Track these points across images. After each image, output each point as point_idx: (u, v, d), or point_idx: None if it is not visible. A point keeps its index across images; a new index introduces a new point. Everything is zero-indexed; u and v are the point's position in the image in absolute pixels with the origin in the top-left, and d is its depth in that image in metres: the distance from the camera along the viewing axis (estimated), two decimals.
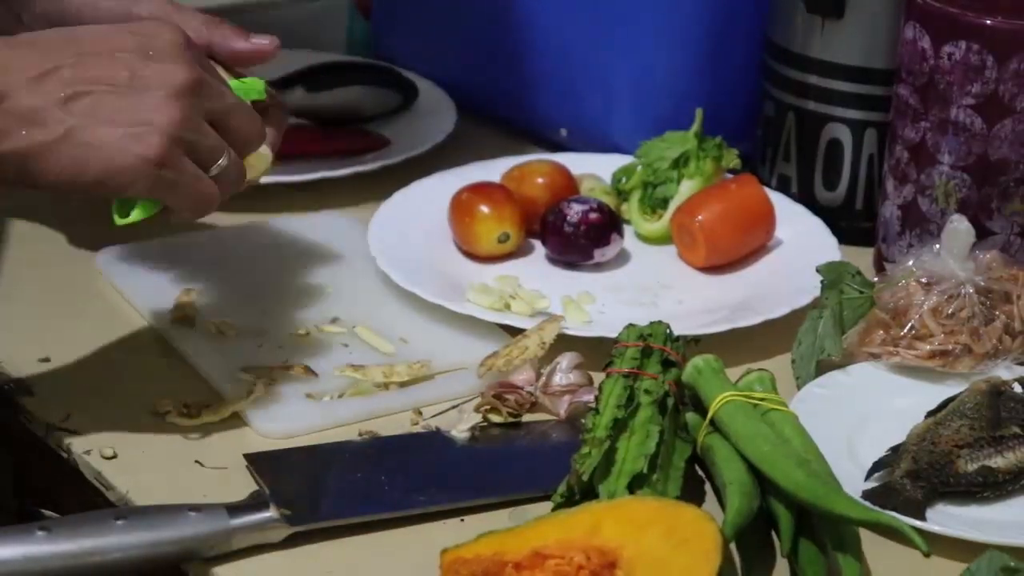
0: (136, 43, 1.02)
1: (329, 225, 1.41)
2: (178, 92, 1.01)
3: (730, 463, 1.03)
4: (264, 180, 1.45)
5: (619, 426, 1.04)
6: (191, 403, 1.14)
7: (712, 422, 1.07)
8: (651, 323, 1.15)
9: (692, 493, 1.07)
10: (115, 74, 1.01)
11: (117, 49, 1.01)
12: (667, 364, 1.11)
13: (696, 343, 1.17)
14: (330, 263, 1.35)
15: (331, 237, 1.39)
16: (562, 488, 1.02)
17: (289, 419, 1.14)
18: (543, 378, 1.18)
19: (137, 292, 1.28)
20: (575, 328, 1.24)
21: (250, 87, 1.13)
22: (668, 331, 1.14)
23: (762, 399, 1.08)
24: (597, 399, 1.08)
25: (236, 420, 1.14)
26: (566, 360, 1.18)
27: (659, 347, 1.12)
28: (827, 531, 0.99)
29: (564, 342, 1.21)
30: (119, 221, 1.06)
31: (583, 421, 1.10)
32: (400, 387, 1.19)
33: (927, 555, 0.93)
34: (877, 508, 1.01)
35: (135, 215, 1.05)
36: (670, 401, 1.08)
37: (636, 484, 1.01)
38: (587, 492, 1.01)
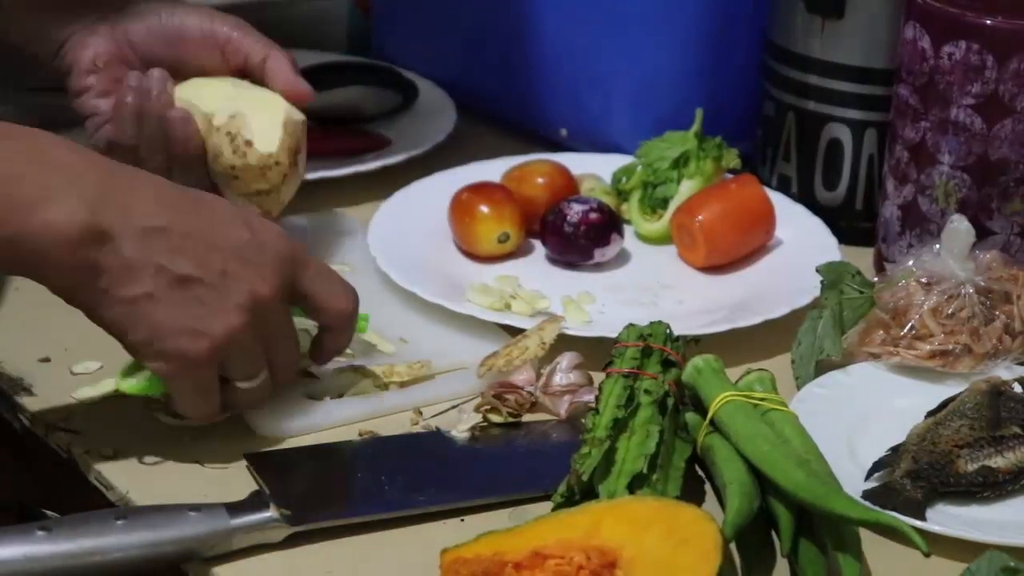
0: (247, 242, 1.05)
1: (328, 225, 1.41)
2: (251, 306, 1.04)
3: (730, 463, 1.03)
4: None
5: (619, 426, 1.04)
6: None
7: (712, 422, 1.07)
8: (651, 323, 1.15)
9: (692, 493, 1.07)
10: (211, 265, 1.03)
11: (226, 238, 1.04)
12: (667, 364, 1.11)
13: (696, 343, 1.17)
14: (329, 263, 1.35)
15: (330, 237, 1.39)
16: (562, 488, 1.02)
17: (289, 419, 1.14)
18: (543, 378, 1.18)
19: None
20: (575, 328, 1.24)
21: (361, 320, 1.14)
22: (668, 331, 1.14)
23: (762, 399, 1.08)
24: (597, 399, 1.08)
25: (236, 420, 1.14)
26: (566, 360, 1.18)
27: (659, 347, 1.12)
28: (827, 531, 0.99)
29: (564, 342, 1.21)
30: (118, 383, 1.09)
31: (583, 421, 1.10)
32: (400, 387, 1.19)
33: (927, 555, 0.93)
34: (877, 508, 1.01)
35: (137, 388, 1.08)
36: (670, 401, 1.08)
37: (636, 484, 1.01)
38: (587, 492, 1.01)
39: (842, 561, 0.98)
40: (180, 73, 1.27)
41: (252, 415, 1.13)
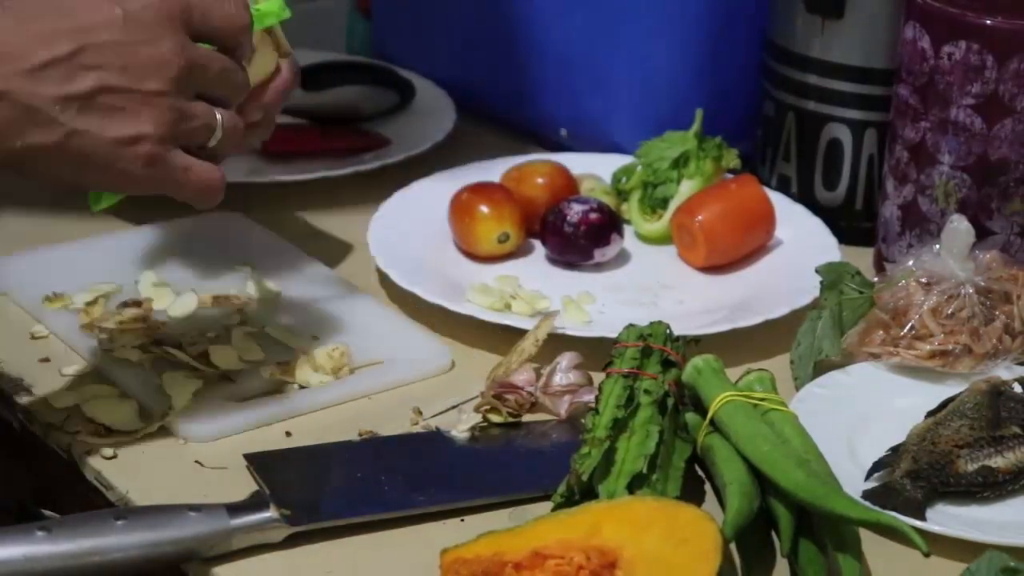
0: (124, 22, 0.99)
1: (223, 227, 1.40)
2: (166, 81, 1.00)
3: (730, 463, 1.03)
4: (262, 179, 1.47)
5: (619, 426, 1.04)
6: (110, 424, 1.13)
7: (712, 422, 1.07)
8: (651, 323, 1.15)
9: (692, 493, 1.07)
10: (106, 68, 0.98)
11: (106, 29, 0.99)
12: (667, 364, 1.11)
13: (696, 343, 1.17)
14: (235, 265, 1.34)
15: (225, 238, 1.39)
16: (562, 488, 1.02)
17: (209, 422, 1.13)
18: (543, 378, 1.17)
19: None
20: (575, 328, 1.24)
21: (266, 12, 1.10)
22: (668, 331, 1.14)
23: (762, 399, 1.08)
24: (597, 399, 1.08)
25: (236, 423, 1.14)
26: (566, 360, 1.18)
27: (659, 347, 1.12)
28: (827, 531, 0.99)
29: (564, 342, 1.21)
30: (94, 208, 1.07)
31: (583, 421, 1.10)
32: (334, 381, 1.19)
33: (927, 555, 0.93)
34: (877, 508, 1.01)
35: (105, 201, 1.06)
36: (670, 401, 1.08)
37: (636, 484, 1.01)
38: (587, 492, 1.01)
39: (842, 561, 0.98)
40: None
41: (175, 420, 1.13)
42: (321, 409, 1.17)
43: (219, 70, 1.04)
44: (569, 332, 1.23)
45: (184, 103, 1.01)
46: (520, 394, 1.17)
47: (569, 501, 1.01)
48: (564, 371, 1.17)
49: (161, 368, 1.18)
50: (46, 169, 1.00)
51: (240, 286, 1.30)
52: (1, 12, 0.99)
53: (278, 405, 1.16)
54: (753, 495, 1.00)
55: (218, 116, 1.04)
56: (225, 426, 1.13)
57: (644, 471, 1.01)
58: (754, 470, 1.02)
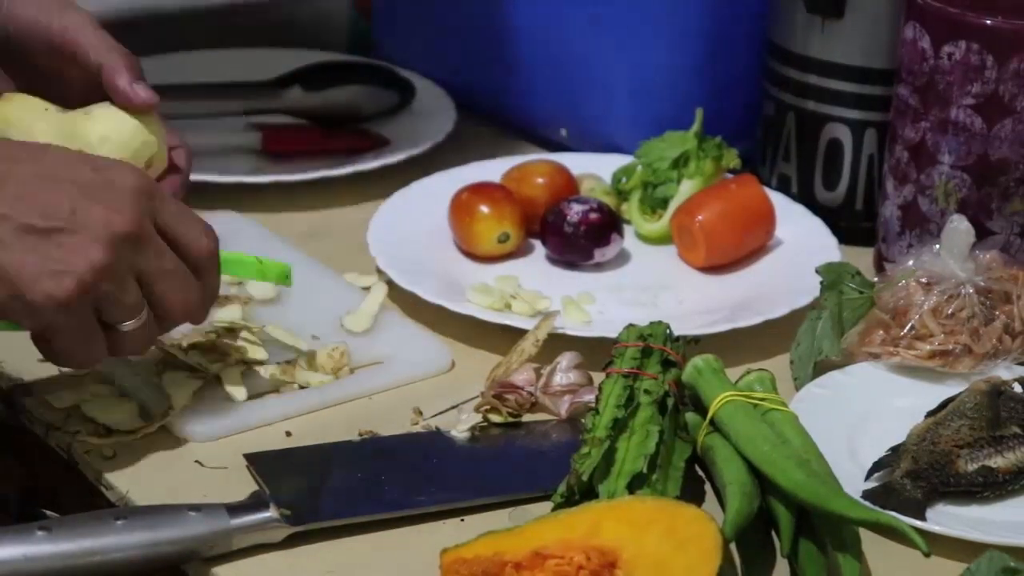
0: (92, 180, 1.00)
1: (223, 227, 1.39)
2: (111, 240, 0.99)
3: (730, 463, 1.03)
4: (262, 179, 1.47)
5: (619, 426, 1.04)
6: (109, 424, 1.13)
7: (712, 422, 1.07)
8: (651, 323, 1.15)
9: (692, 493, 1.07)
10: (58, 205, 0.98)
11: (72, 179, 0.99)
12: (667, 364, 1.11)
13: (696, 343, 1.17)
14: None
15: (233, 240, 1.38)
16: (562, 488, 1.02)
17: (210, 421, 1.13)
18: (543, 378, 1.17)
19: None
20: (575, 328, 1.24)
21: (269, 269, 1.11)
22: (668, 331, 1.14)
23: (762, 399, 1.08)
24: (597, 399, 1.08)
25: (234, 418, 1.14)
26: (566, 360, 1.18)
27: (659, 347, 1.12)
28: (827, 531, 0.99)
29: (564, 342, 1.21)
30: None
31: (583, 421, 1.10)
32: (333, 381, 1.19)
33: (927, 555, 0.93)
34: (877, 508, 1.01)
35: (4, 326, 1.03)
36: (670, 401, 1.08)
37: (636, 484, 1.00)
38: (587, 492, 1.01)
39: (842, 561, 0.98)
40: (32, 78, 1.14)
41: (175, 420, 1.13)
42: (321, 409, 1.17)
43: (170, 270, 1.02)
44: (569, 332, 1.23)
45: (121, 270, 1.00)
46: (520, 394, 1.17)
47: (569, 501, 1.01)
48: (564, 371, 1.17)
49: (161, 368, 1.18)
50: None
51: (240, 286, 1.30)
52: None
53: (278, 405, 1.16)
54: (753, 495, 1.00)
55: (143, 314, 1.03)
56: (225, 426, 1.13)
57: (644, 471, 1.01)
58: (754, 470, 1.02)
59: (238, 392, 1.16)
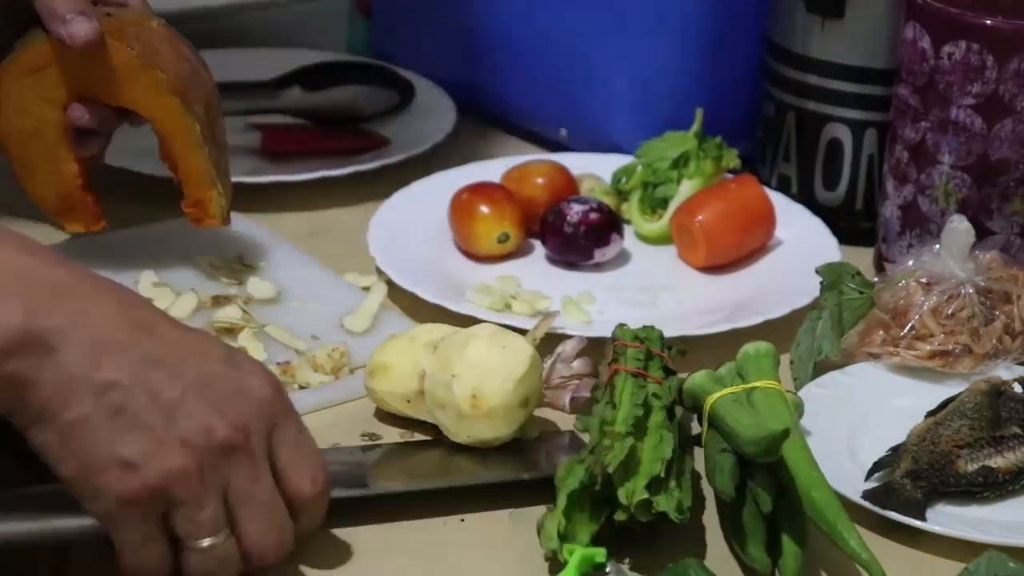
0: (219, 376, 0.90)
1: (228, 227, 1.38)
2: (202, 445, 0.88)
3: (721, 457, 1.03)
4: (262, 179, 1.47)
5: (638, 425, 1.03)
6: None
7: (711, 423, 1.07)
8: (644, 327, 1.14)
9: (696, 503, 1.06)
10: (164, 392, 0.88)
11: (196, 366, 0.89)
12: (667, 372, 1.11)
13: (682, 355, 1.17)
14: (235, 265, 1.34)
15: (238, 241, 1.38)
16: (582, 477, 0.98)
17: None
18: (545, 371, 1.17)
19: None
20: (575, 328, 1.24)
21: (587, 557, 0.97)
22: (663, 337, 1.14)
23: (745, 388, 1.08)
24: (605, 389, 1.07)
25: None
26: (569, 347, 1.17)
27: (659, 353, 1.11)
28: (785, 516, 0.99)
29: (563, 341, 1.21)
30: None
31: (589, 414, 1.08)
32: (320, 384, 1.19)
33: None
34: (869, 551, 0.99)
35: None
36: (678, 409, 1.08)
37: (655, 487, 0.99)
38: (606, 484, 0.99)
39: (786, 546, 0.98)
40: None
41: None
42: (321, 409, 1.17)
43: (260, 498, 0.91)
44: (569, 332, 1.23)
45: (204, 481, 0.88)
46: None
47: (588, 490, 1.00)
48: (566, 361, 1.17)
49: None
50: (31, 432, 0.89)
51: (240, 286, 1.30)
52: (121, 296, 0.90)
53: None
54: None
55: (221, 535, 0.90)
56: None
57: (662, 475, 1.00)
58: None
59: None
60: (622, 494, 0.99)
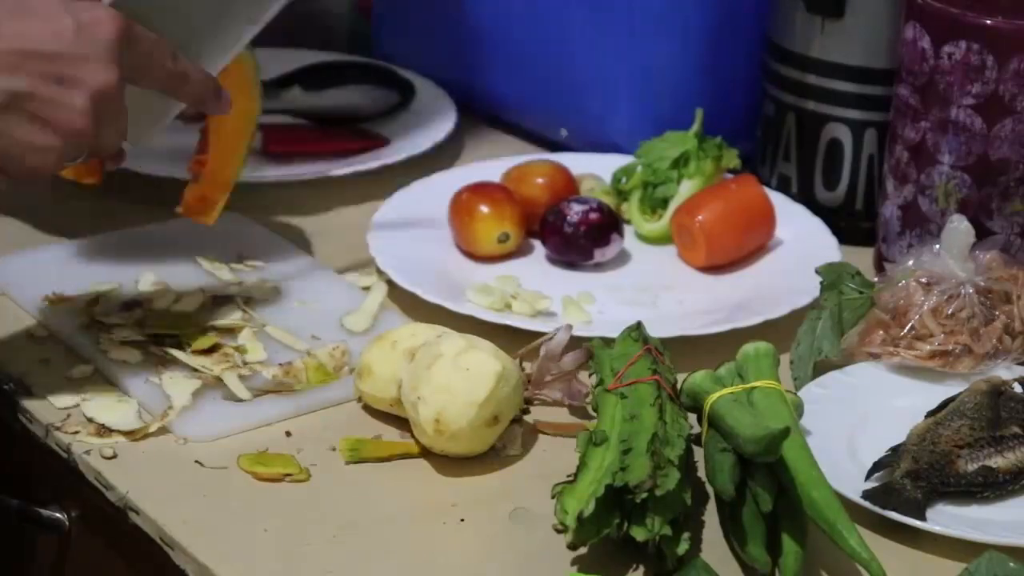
0: (73, 35, 1.01)
1: (223, 226, 1.38)
2: (95, 104, 1.02)
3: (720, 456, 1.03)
4: (262, 179, 1.47)
5: (683, 459, 1.03)
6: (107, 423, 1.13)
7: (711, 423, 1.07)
8: (637, 330, 1.14)
9: (698, 500, 1.07)
10: (42, 74, 1.00)
11: (55, 35, 1.00)
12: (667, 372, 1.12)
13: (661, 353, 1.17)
14: (235, 265, 1.35)
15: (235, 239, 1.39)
16: (634, 481, 0.98)
17: (210, 422, 1.13)
18: (533, 371, 1.17)
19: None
20: (575, 328, 1.23)
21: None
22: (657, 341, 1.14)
23: (745, 387, 1.08)
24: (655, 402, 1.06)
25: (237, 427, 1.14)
26: (554, 343, 1.17)
27: (658, 354, 1.12)
28: (786, 514, 1.00)
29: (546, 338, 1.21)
30: None
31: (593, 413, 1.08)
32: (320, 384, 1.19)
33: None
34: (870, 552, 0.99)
35: None
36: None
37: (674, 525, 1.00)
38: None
39: (786, 545, 0.98)
40: None
41: (175, 420, 1.13)
42: (321, 409, 1.17)
43: (124, 119, 1.05)
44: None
45: (94, 127, 1.03)
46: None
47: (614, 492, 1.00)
48: (553, 359, 1.17)
49: (161, 368, 1.18)
50: None
51: (240, 286, 1.30)
52: None
53: (279, 405, 1.16)
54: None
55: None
56: (225, 426, 1.13)
57: (680, 518, 1.00)
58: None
59: (240, 392, 1.16)
60: (650, 523, 0.98)
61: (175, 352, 1.19)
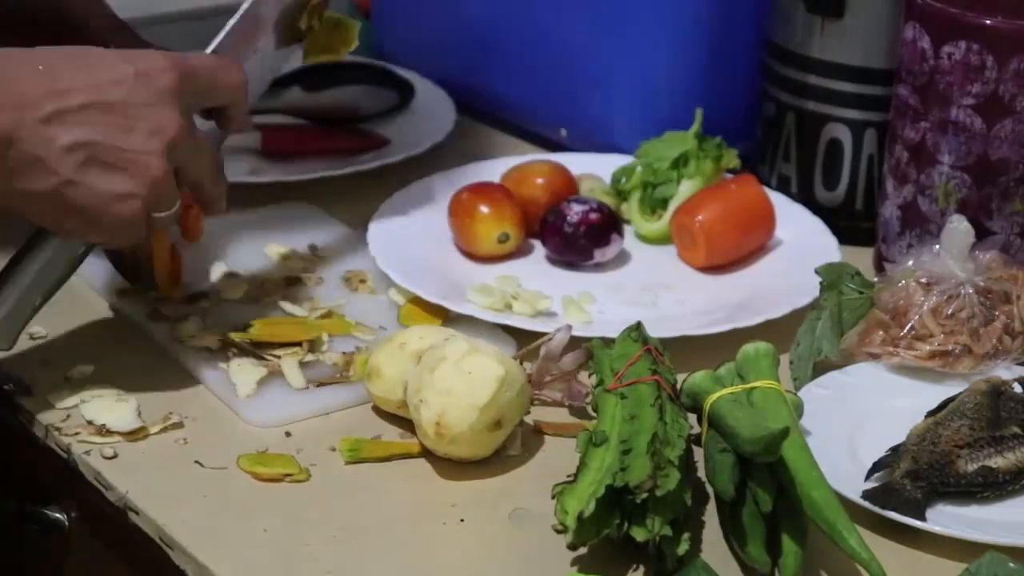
0: (133, 84, 1.06)
1: (294, 217, 1.42)
2: (162, 153, 1.06)
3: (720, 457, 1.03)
4: (262, 179, 1.47)
5: (683, 460, 1.03)
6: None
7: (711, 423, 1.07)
8: (635, 331, 1.14)
9: (698, 500, 1.07)
10: (113, 124, 1.05)
11: (116, 88, 1.05)
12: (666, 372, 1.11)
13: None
14: (307, 255, 1.37)
15: (293, 227, 1.41)
16: (636, 481, 0.98)
17: (269, 409, 1.15)
18: (533, 372, 1.17)
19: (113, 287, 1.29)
20: (576, 328, 1.23)
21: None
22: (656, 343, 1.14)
23: (745, 387, 1.08)
24: (655, 401, 1.06)
25: (233, 419, 1.14)
26: (554, 344, 1.17)
27: (658, 355, 1.12)
28: (786, 515, 1.00)
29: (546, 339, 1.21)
30: None
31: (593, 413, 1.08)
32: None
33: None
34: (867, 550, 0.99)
35: None
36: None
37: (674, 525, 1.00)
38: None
39: (786, 545, 0.98)
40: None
41: (239, 407, 1.14)
42: (356, 406, 1.17)
43: (207, 156, 1.12)
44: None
45: (170, 173, 1.08)
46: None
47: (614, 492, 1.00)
48: (553, 359, 1.17)
49: (230, 355, 1.20)
50: (34, 213, 1.07)
51: (312, 274, 1.32)
52: (22, 58, 1.04)
53: (336, 394, 1.18)
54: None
55: (177, 201, 1.11)
56: (283, 414, 1.15)
57: (680, 519, 1.00)
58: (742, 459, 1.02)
59: (295, 381, 1.18)
60: (650, 523, 0.98)
61: (238, 338, 1.21)
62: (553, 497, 1.00)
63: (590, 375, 1.15)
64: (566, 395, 1.17)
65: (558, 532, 1.02)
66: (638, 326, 1.15)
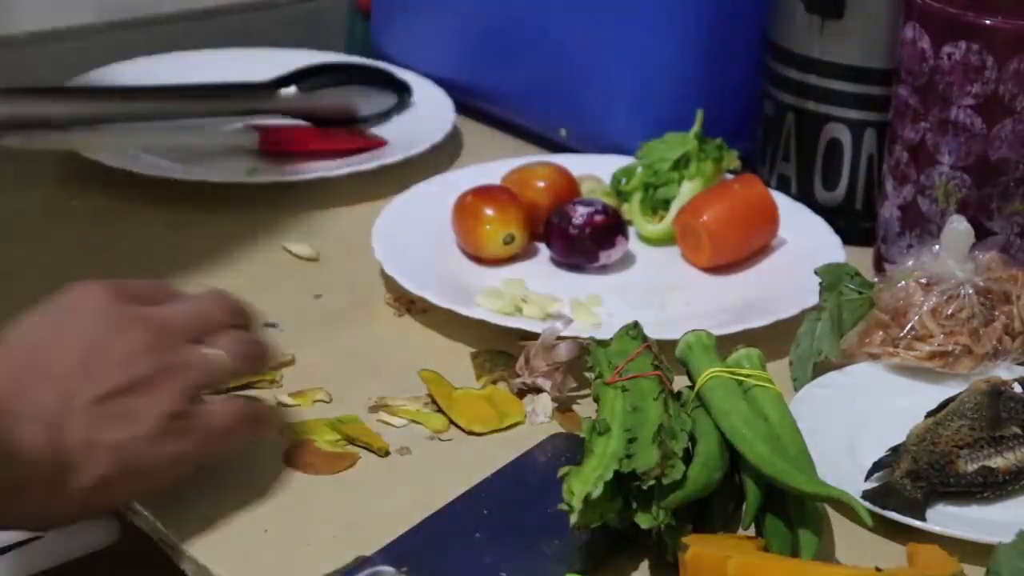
0: (90, 348, 0.99)
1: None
2: (153, 361, 1.00)
3: (707, 436, 1.04)
4: (261, 179, 1.47)
5: (687, 452, 1.03)
6: None
7: (699, 397, 1.07)
8: (632, 329, 1.14)
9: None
10: (120, 383, 0.99)
11: (132, 350, 1.00)
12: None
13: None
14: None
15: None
16: (644, 468, 0.98)
17: None
18: (530, 356, 1.17)
19: None
20: (585, 330, 1.23)
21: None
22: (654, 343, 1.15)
23: (748, 375, 1.08)
24: (659, 395, 1.06)
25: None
26: (550, 333, 1.17)
27: (657, 355, 1.12)
28: (794, 507, 1.00)
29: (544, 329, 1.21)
30: None
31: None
32: None
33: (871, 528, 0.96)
34: (829, 484, 1.00)
35: None
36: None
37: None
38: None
39: (802, 535, 0.99)
40: None
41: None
42: None
43: (183, 315, 1.04)
44: (579, 335, 1.22)
45: (172, 359, 1.01)
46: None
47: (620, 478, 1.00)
48: (547, 348, 1.17)
49: None
50: (103, 503, 1.01)
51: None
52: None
53: None
54: (715, 467, 1.01)
55: (206, 351, 1.03)
56: None
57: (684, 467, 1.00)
58: (728, 444, 1.03)
59: None
60: (655, 511, 0.98)
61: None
62: (560, 478, 1.00)
63: (586, 371, 1.14)
64: (554, 387, 1.17)
65: (563, 512, 1.01)
66: (635, 325, 1.15)
